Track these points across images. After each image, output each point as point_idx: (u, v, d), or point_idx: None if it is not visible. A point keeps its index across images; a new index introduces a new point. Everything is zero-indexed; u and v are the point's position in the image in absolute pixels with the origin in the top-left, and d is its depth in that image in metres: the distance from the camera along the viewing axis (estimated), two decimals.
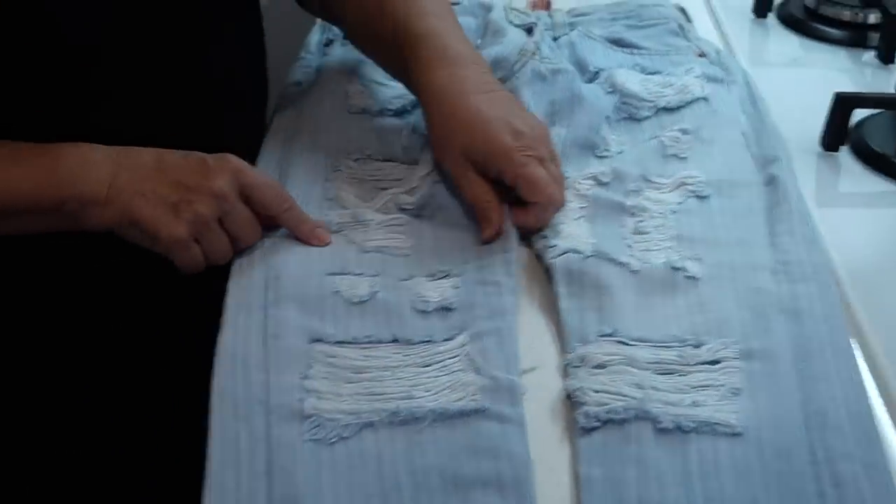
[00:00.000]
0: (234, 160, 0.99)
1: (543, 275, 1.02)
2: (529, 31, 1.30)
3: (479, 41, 1.28)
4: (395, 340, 0.93)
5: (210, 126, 1.11)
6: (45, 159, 0.95)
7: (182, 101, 1.09)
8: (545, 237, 1.03)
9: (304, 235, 1.01)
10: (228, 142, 1.05)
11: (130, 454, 1.10)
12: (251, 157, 1.14)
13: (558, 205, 1.04)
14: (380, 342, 0.92)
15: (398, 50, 1.11)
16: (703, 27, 1.41)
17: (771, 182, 1.08)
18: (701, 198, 1.08)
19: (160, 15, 1.05)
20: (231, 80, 1.16)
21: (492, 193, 1.03)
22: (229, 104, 1.16)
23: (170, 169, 0.97)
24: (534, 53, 1.24)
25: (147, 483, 1.11)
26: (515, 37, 1.26)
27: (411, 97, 1.18)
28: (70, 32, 0.98)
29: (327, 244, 1.01)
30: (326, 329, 0.93)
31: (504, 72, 1.21)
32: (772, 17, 1.47)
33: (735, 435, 0.82)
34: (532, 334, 0.95)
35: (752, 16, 1.46)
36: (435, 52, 1.07)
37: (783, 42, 1.44)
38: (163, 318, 1.11)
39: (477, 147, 1.03)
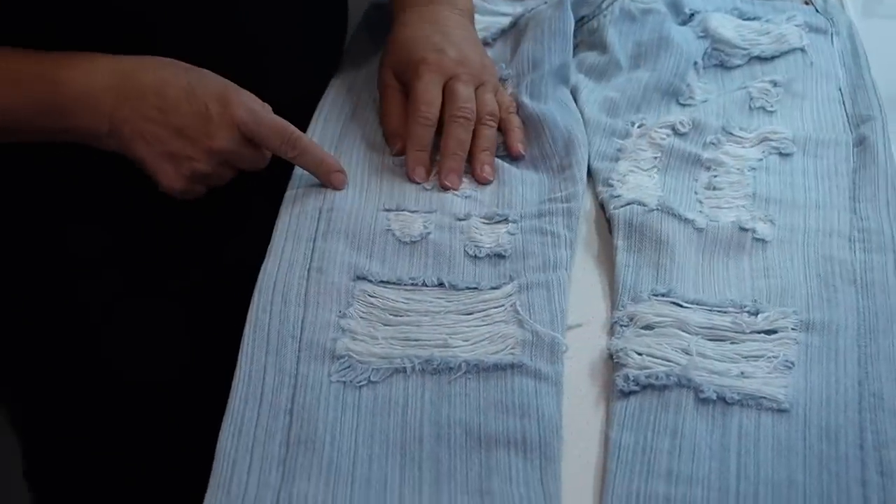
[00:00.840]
0: (238, 108, 0.94)
1: (606, 226, 0.97)
2: None
3: None
4: (440, 284, 0.90)
5: (290, 50, 1.09)
6: (46, 86, 0.92)
7: (287, 22, 1.08)
8: (611, 186, 0.99)
9: (320, 178, 0.98)
10: (313, 54, 1.07)
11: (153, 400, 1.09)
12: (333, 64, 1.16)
13: (427, 124, 1.01)
14: (424, 285, 0.90)
15: None
16: None
17: (861, 143, 1.02)
18: (783, 155, 1.02)
19: None
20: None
21: (399, 118, 1.04)
22: (324, 19, 1.15)
23: (171, 111, 0.93)
24: None
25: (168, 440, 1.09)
26: None
27: None
28: None
29: (343, 188, 0.98)
30: (373, 267, 0.91)
31: (589, 9, 1.17)
32: None
33: (781, 411, 0.78)
34: (585, 288, 0.92)
35: None
36: None
37: None
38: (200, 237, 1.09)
39: (399, 60, 1.05)
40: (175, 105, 0.93)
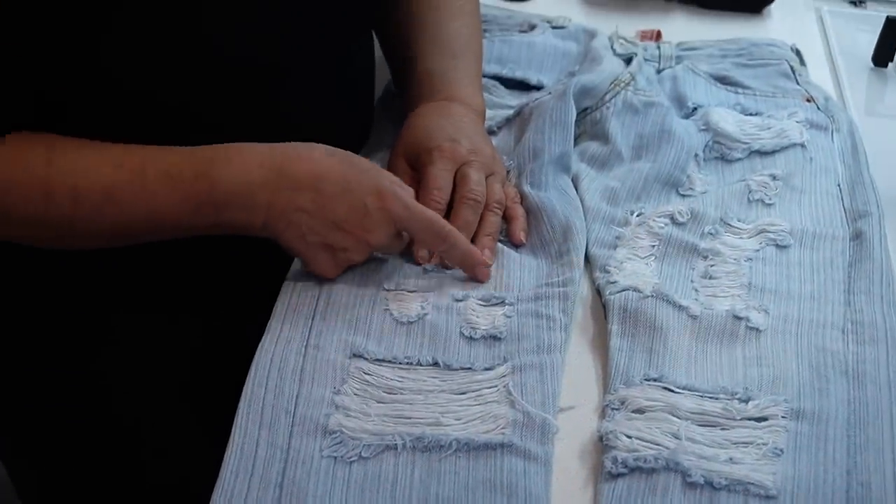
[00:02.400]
0: (394, 203, 0.95)
1: (602, 311, 0.98)
2: (629, 61, 1.26)
3: (576, 67, 1.26)
4: (435, 364, 0.91)
5: (338, 120, 1.13)
6: (203, 184, 0.93)
7: (322, 96, 1.10)
8: (608, 272, 1.00)
9: (466, 271, 1.00)
10: (341, 130, 1.08)
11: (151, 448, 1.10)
12: (364, 135, 1.20)
13: (439, 208, 1.03)
14: (419, 364, 0.91)
15: (407, 83, 1.18)
16: (819, 72, 1.35)
17: (858, 237, 1.03)
18: (780, 247, 1.03)
19: (310, 24, 1.05)
20: (361, 75, 1.18)
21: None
22: (357, 96, 1.19)
23: (328, 204, 0.94)
24: (628, 84, 1.21)
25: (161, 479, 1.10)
26: (611, 66, 1.23)
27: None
28: (227, 52, 0.98)
29: (487, 280, 1.00)
30: (369, 345, 0.92)
31: (592, 100, 1.19)
32: (892, 67, 1.40)
33: (768, 497, 0.78)
34: (578, 371, 0.93)
35: (871, 64, 1.40)
36: (427, 88, 1.14)
37: None
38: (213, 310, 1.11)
39: (413, 147, 1.08)
40: (331, 198, 0.94)
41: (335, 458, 0.82)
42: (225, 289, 1.05)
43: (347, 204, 0.94)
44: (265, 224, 0.94)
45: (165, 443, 1.08)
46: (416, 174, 1.07)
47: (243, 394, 0.87)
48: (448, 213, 1.04)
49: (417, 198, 1.05)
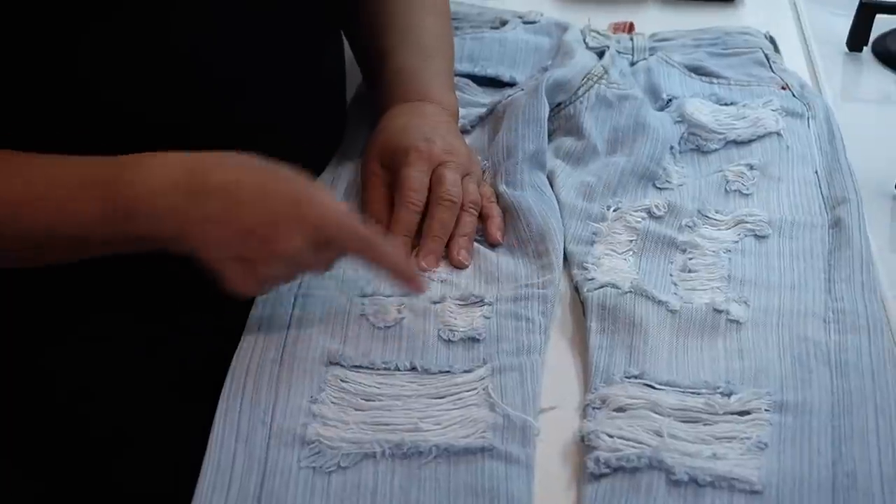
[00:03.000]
0: (313, 210, 0.88)
1: (581, 308, 0.97)
2: (602, 54, 1.25)
3: (549, 62, 1.25)
4: (413, 368, 0.90)
5: (311, 119, 1.11)
6: (110, 190, 0.87)
7: (294, 101, 1.08)
8: (586, 269, 0.99)
9: (401, 282, 0.93)
10: (314, 134, 1.08)
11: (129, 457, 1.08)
12: (338, 138, 1.17)
13: (415, 210, 1.02)
14: (397, 369, 0.90)
15: (378, 82, 1.16)
16: (794, 59, 1.35)
17: (837, 224, 1.02)
18: (759, 237, 1.02)
19: (278, 29, 1.03)
20: (332, 77, 1.16)
21: (382, 204, 1.05)
22: (329, 99, 1.17)
23: (238, 213, 0.86)
24: (601, 78, 1.20)
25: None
26: (583, 60, 1.22)
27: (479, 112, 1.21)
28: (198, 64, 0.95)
29: (424, 291, 0.95)
30: (346, 352, 0.91)
31: (566, 95, 1.18)
32: (867, 52, 1.39)
33: (754, 493, 0.77)
34: (558, 371, 0.92)
35: (846, 49, 1.39)
36: (399, 87, 1.13)
37: (877, 78, 1.36)
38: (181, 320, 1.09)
39: (387, 148, 1.06)
40: (242, 206, 0.87)
41: (314, 468, 0.81)
42: (199, 288, 1.03)
43: (259, 211, 0.87)
44: (177, 235, 0.87)
45: (141, 449, 1.07)
46: (391, 176, 1.06)
47: (219, 406, 0.86)
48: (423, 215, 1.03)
49: (388, 201, 1.04)
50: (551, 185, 1.10)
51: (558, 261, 1.00)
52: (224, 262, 0.88)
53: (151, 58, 0.92)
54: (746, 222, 1.03)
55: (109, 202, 0.87)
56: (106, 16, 0.89)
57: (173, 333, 1.06)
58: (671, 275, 0.99)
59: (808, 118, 1.18)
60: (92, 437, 1.06)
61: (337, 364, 0.90)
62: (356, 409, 0.86)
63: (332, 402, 0.86)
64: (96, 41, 0.90)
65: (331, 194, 0.94)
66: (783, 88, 1.23)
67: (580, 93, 1.19)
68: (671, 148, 1.13)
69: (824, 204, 1.06)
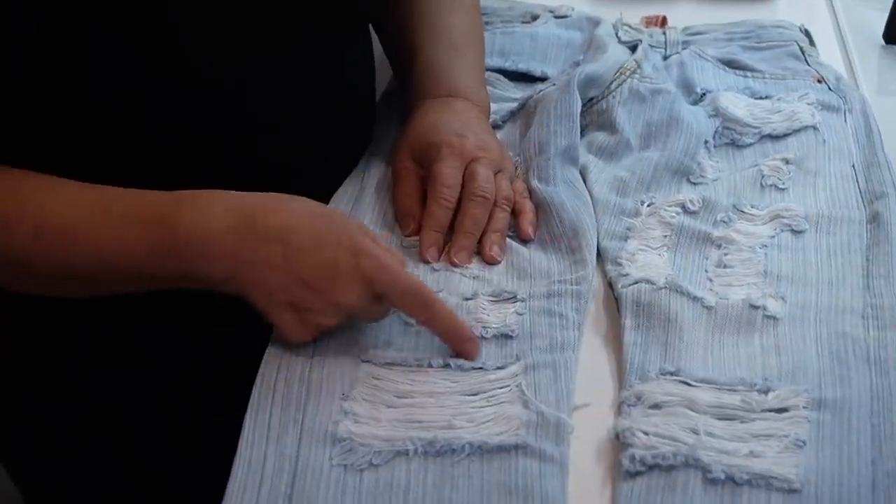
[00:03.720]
0: (371, 262, 0.86)
1: (615, 304, 0.96)
2: (634, 48, 1.24)
3: (581, 57, 1.23)
4: (446, 366, 0.89)
5: (334, 123, 1.10)
6: (164, 228, 0.86)
7: (323, 97, 1.07)
8: (620, 265, 0.98)
9: (452, 345, 0.90)
10: (344, 133, 1.07)
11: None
12: (367, 134, 1.17)
13: (448, 206, 1.01)
14: (430, 366, 0.89)
15: (408, 78, 1.15)
16: (829, 52, 1.33)
17: (875, 219, 1.01)
18: (796, 232, 1.01)
19: (301, 32, 1.01)
20: (361, 75, 1.15)
21: (414, 199, 1.04)
22: (357, 96, 1.16)
23: (296, 260, 0.85)
24: (634, 72, 1.19)
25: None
26: (616, 54, 1.21)
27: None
28: (204, 66, 0.93)
29: (475, 358, 0.90)
30: (377, 350, 0.90)
31: (598, 90, 1.17)
32: None
33: (792, 491, 0.76)
34: (592, 368, 0.90)
35: (882, 42, 1.37)
36: (429, 82, 1.12)
37: None
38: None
39: (419, 144, 1.05)
40: (300, 253, 0.86)
41: (345, 466, 0.80)
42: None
43: (317, 260, 0.86)
44: (229, 277, 0.86)
45: (156, 449, 1.06)
46: (422, 171, 1.05)
47: (250, 404, 0.86)
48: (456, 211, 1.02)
49: (420, 196, 1.03)
50: (584, 181, 1.09)
51: (592, 256, 0.99)
52: (277, 308, 0.87)
53: (163, 70, 0.91)
54: (783, 217, 1.02)
55: (164, 239, 0.86)
56: (115, 23, 0.87)
57: (199, 335, 1.05)
58: (706, 270, 0.97)
59: (845, 112, 1.17)
60: (115, 438, 1.06)
61: (369, 362, 0.89)
62: (388, 407, 0.85)
63: (364, 400, 0.86)
64: (106, 53, 0.88)
65: (386, 245, 0.92)
66: (819, 82, 1.22)
67: (613, 87, 1.18)
68: (705, 142, 1.12)
69: (862, 199, 1.04)
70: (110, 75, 0.89)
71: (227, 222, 0.86)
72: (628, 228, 1.03)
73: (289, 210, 0.89)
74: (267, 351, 0.90)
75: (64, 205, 0.88)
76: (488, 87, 1.18)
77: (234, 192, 0.89)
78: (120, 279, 0.90)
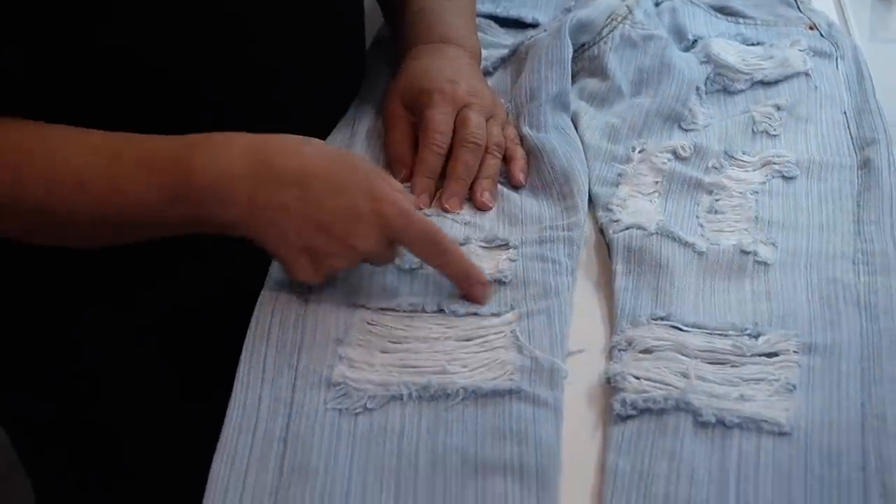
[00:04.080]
0: (390, 208, 0.86)
1: (606, 251, 0.96)
2: None
3: (572, 3, 1.23)
4: (440, 310, 0.89)
5: (326, 58, 1.09)
6: (180, 172, 0.85)
7: (313, 44, 1.06)
8: (611, 211, 0.98)
9: (462, 288, 0.90)
10: (334, 76, 1.07)
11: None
12: (357, 81, 1.16)
13: (440, 152, 1.01)
14: (424, 311, 0.89)
15: (399, 24, 1.15)
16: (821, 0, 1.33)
17: (866, 166, 1.01)
18: (787, 178, 1.01)
19: None
20: (351, 21, 1.15)
21: (405, 145, 1.04)
22: (347, 42, 1.15)
23: (314, 204, 0.85)
24: (625, 18, 1.18)
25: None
26: (607, 0, 1.20)
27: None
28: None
29: (485, 302, 0.90)
30: (372, 295, 0.90)
31: (590, 36, 1.17)
32: None
33: (782, 434, 0.77)
34: (585, 314, 0.91)
35: None
36: (421, 28, 1.12)
37: None
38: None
39: (410, 90, 1.05)
40: (319, 198, 0.85)
41: (340, 410, 0.81)
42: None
43: (336, 205, 0.85)
44: (245, 222, 0.86)
45: (153, 439, 1.07)
46: (413, 118, 1.05)
47: (244, 347, 0.86)
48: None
49: (412, 143, 1.03)
50: (575, 128, 1.09)
51: (583, 202, 0.99)
52: (292, 252, 0.87)
53: (162, 7, 0.91)
54: (774, 163, 1.02)
55: (178, 184, 0.85)
56: None
57: (191, 279, 1.05)
58: (697, 216, 0.98)
59: (837, 58, 1.17)
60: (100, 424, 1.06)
61: (363, 307, 0.89)
62: (382, 352, 0.86)
63: (359, 345, 0.86)
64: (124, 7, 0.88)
65: (401, 189, 0.92)
66: (811, 28, 1.22)
67: (604, 33, 1.17)
68: (697, 89, 1.12)
69: (853, 145, 1.05)
70: (115, 18, 0.89)
71: (243, 166, 0.85)
72: (619, 175, 1.03)
73: (306, 153, 0.88)
74: (261, 294, 0.91)
75: (75, 154, 0.87)
76: (479, 34, 1.18)
77: (248, 134, 0.88)
78: (133, 226, 0.90)
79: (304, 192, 0.85)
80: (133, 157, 0.87)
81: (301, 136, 0.89)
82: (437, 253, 0.89)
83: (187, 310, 1.04)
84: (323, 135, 1.08)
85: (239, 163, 0.85)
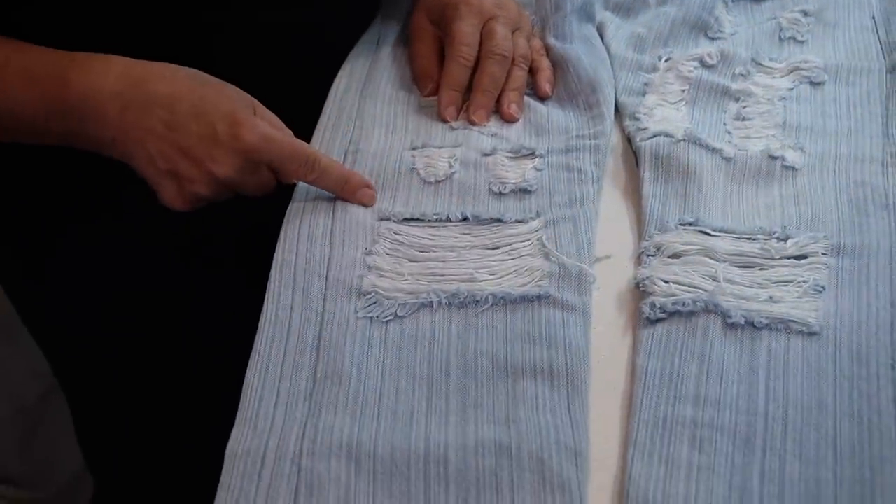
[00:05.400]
0: (248, 132, 0.87)
1: (633, 159, 0.96)
2: None
3: None
4: (464, 219, 0.89)
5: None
6: (56, 85, 0.87)
7: None
8: (638, 119, 0.98)
9: (346, 197, 0.91)
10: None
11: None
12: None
13: (466, 64, 1.01)
14: (449, 220, 0.89)
15: None
16: None
17: (894, 70, 1.00)
18: (815, 84, 1.00)
19: None
20: None
21: (431, 59, 1.04)
22: None
23: (178, 128, 0.86)
24: None
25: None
26: None
27: None
28: None
29: (373, 203, 0.91)
30: (397, 206, 0.91)
31: None
32: None
33: (811, 334, 0.77)
34: (612, 221, 0.91)
35: None
36: None
37: None
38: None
39: (436, 2, 1.05)
40: (182, 122, 0.87)
41: (370, 318, 0.82)
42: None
43: (197, 129, 0.86)
44: (115, 141, 0.87)
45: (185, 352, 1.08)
46: (439, 32, 1.05)
47: (274, 260, 0.87)
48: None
49: (438, 57, 1.03)
50: (601, 38, 1.08)
51: (609, 111, 0.99)
52: (158, 175, 0.88)
53: None
54: (801, 69, 1.02)
55: (55, 97, 0.87)
56: None
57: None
58: (725, 123, 0.97)
59: None
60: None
61: (388, 219, 0.90)
62: (411, 261, 0.86)
63: (387, 254, 0.87)
64: None
65: (276, 121, 0.92)
66: None
67: None
68: None
69: (882, 49, 1.04)
70: None
71: (117, 87, 0.87)
72: (646, 84, 1.02)
73: (177, 79, 0.89)
74: (288, 209, 0.91)
75: None
76: None
77: (129, 59, 0.89)
78: (22, 130, 0.91)
79: (171, 116, 0.86)
80: (18, 67, 0.88)
81: (183, 67, 0.90)
82: (308, 168, 0.89)
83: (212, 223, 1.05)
84: (343, 53, 1.08)
85: (112, 83, 0.87)
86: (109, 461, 1.16)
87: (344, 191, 0.91)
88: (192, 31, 0.96)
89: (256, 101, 0.91)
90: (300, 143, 0.90)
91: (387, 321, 0.82)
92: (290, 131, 0.93)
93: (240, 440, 0.74)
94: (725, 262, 0.83)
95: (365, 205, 0.91)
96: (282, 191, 0.93)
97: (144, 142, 0.87)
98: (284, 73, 1.02)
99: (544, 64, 1.04)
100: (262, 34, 1.00)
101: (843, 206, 0.87)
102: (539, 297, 0.82)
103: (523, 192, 0.91)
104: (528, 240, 0.87)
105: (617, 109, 1.01)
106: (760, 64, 1.03)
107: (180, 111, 0.87)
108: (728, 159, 0.92)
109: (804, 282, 0.81)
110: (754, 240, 0.85)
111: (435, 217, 0.89)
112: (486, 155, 0.95)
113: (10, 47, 0.90)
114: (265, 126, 0.89)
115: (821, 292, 0.80)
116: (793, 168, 0.91)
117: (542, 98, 1.02)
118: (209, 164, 0.87)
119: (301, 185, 0.93)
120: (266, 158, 0.88)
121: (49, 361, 1.16)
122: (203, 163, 0.87)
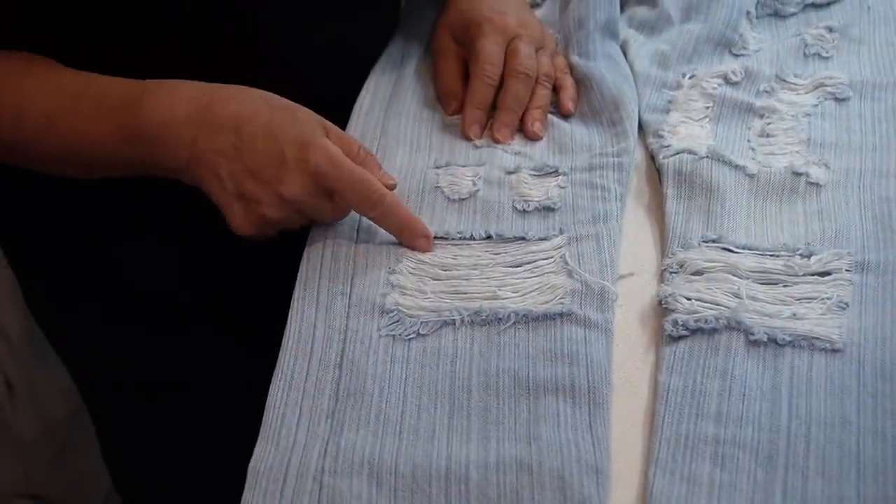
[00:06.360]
0: (316, 154, 0.86)
1: (657, 177, 0.96)
2: None
3: None
4: (488, 237, 0.90)
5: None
6: (130, 113, 0.88)
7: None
8: (661, 137, 0.98)
9: (403, 241, 0.90)
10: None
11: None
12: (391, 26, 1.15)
13: (491, 83, 1.02)
14: (472, 238, 0.90)
15: None
16: None
17: None
18: (839, 100, 1.00)
19: None
20: None
21: (456, 78, 1.05)
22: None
23: (247, 150, 0.86)
24: None
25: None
26: None
27: None
28: None
29: (429, 251, 0.89)
30: None
31: None
32: None
33: (834, 351, 0.77)
34: (635, 238, 0.91)
35: None
36: None
37: None
38: None
39: (460, 21, 1.05)
40: (250, 143, 0.86)
41: (393, 336, 0.82)
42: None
43: (264, 150, 0.86)
44: (187, 167, 0.88)
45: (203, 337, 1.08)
46: (463, 50, 1.06)
47: (298, 278, 0.87)
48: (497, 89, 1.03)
49: (462, 75, 1.03)
50: (625, 55, 1.08)
51: (633, 129, 0.99)
52: (226, 198, 0.88)
53: None
54: (826, 85, 1.01)
55: (128, 125, 0.88)
56: None
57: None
58: (749, 140, 0.97)
59: None
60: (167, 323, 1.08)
61: None
62: (434, 280, 0.86)
63: (410, 273, 0.87)
64: None
65: (352, 141, 0.91)
66: None
67: None
68: (747, 13, 1.11)
69: None
70: None
71: (187, 111, 0.87)
72: (670, 101, 1.02)
73: (245, 100, 0.89)
74: (311, 229, 0.92)
75: (44, 90, 0.90)
76: None
77: (199, 83, 0.90)
78: (95, 163, 0.92)
79: (238, 138, 0.86)
80: (91, 98, 0.90)
81: (254, 89, 0.90)
82: (372, 203, 0.88)
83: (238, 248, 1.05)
84: (365, 72, 1.09)
85: (183, 108, 0.87)
86: (136, 481, 1.17)
87: (402, 235, 0.89)
88: (248, 55, 0.97)
89: (329, 124, 0.91)
90: (368, 174, 0.88)
91: (409, 339, 0.82)
92: (358, 146, 0.91)
93: (262, 457, 0.75)
94: (748, 279, 0.83)
95: (420, 251, 0.90)
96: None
97: (215, 165, 0.87)
98: (335, 91, 1.03)
99: (568, 82, 1.05)
100: (316, 54, 1.01)
101: (867, 223, 0.87)
102: (561, 315, 0.82)
103: (547, 209, 0.92)
104: (551, 257, 0.87)
105: (640, 127, 1.01)
106: (785, 80, 1.03)
107: (248, 133, 0.87)
108: (751, 176, 0.92)
109: (828, 298, 0.81)
110: (778, 256, 0.85)
111: (459, 236, 0.90)
112: (510, 173, 0.95)
113: (83, 80, 0.91)
114: (335, 150, 0.87)
115: (844, 309, 0.80)
116: (817, 184, 0.91)
117: (566, 116, 1.02)
118: (276, 185, 0.86)
119: None
120: (331, 183, 0.87)
121: (76, 384, 1.17)
122: (270, 183, 0.86)
